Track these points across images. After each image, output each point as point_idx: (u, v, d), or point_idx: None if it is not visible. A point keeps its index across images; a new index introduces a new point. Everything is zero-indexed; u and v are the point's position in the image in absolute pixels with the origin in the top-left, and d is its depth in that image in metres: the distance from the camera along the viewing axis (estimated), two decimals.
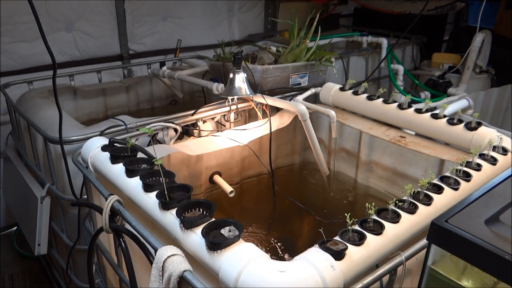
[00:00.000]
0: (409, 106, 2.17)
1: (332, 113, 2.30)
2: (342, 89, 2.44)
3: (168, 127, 2.11)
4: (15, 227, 3.52)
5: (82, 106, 3.10)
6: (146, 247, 1.29)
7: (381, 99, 2.26)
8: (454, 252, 0.81)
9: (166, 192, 1.25)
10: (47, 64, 3.36)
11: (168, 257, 1.12)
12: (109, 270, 1.87)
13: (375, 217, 1.21)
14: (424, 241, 1.24)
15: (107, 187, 1.53)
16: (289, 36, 2.60)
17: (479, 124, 1.91)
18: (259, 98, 2.31)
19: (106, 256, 1.64)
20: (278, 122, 2.36)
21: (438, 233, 0.84)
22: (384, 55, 3.91)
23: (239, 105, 2.37)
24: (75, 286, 2.36)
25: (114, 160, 1.51)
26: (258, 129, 2.28)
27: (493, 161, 1.61)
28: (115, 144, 1.61)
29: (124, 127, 2.08)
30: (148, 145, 2.15)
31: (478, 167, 1.54)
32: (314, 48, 2.50)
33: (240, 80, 2.14)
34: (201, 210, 1.24)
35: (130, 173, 1.42)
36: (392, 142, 2.13)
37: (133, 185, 1.40)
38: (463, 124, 1.94)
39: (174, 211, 1.24)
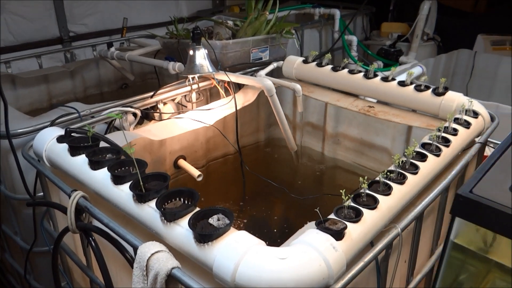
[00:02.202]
0: (375, 76, 2.14)
1: (298, 86, 2.23)
2: (305, 61, 2.37)
3: (126, 112, 1.94)
4: None
5: (22, 95, 2.83)
6: (122, 245, 1.17)
7: (346, 70, 2.22)
8: (482, 223, 0.76)
9: (141, 183, 1.12)
10: None
11: (152, 254, 1.01)
12: (75, 271, 1.72)
13: (368, 191, 1.16)
14: (415, 211, 1.22)
15: (67, 182, 1.37)
16: (247, 9, 2.48)
17: (446, 89, 1.91)
18: (221, 76, 2.18)
19: (73, 258, 1.49)
20: (243, 99, 2.26)
21: (464, 205, 0.79)
22: (337, 26, 3.88)
23: (200, 84, 2.24)
24: None
25: (74, 151, 1.35)
26: (223, 108, 2.17)
27: (467, 125, 1.61)
28: (72, 134, 1.45)
29: (77, 115, 1.89)
30: (105, 132, 1.98)
31: (454, 132, 1.54)
32: (273, 20, 2.40)
33: (201, 57, 2.00)
34: (182, 199, 1.13)
35: (94, 165, 1.28)
36: (362, 112, 2.10)
37: (100, 178, 1.25)
38: (430, 90, 1.94)
39: (152, 203, 1.12)
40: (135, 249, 1.08)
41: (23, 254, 2.13)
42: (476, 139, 1.66)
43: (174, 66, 2.39)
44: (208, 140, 2.40)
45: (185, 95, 2.24)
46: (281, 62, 2.50)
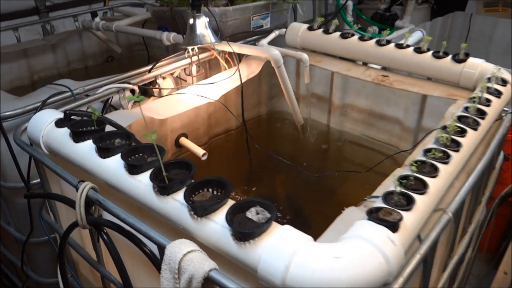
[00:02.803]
0: (388, 42, 2.01)
1: (305, 56, 2.08)
2: (310, 28, 2.22)
3: (124, 89, 1.77)
4: None
5: (1, 72, 2.60)
6: (143, 242, 1.04)
7: (356, 37, 2.08)
8: None
9: (164, 173, 0.99)
10: None
11: (185, 255, 0.89)
12: (81, 264, 1.59)
13: (416, 174, 1.05)
14: (462, 192, 1.12)
15: (69, 170, 1.22)
16: None
17: (467, 56, 1.80)
18: (223, 46, 2.02)
19: (81, 252, 1.36)
20: (247, 71, 2.10)
21: None
22: None
23: (200, 56, 2.07)
24: (33, 282, 2.04)
25: (77, 137, 1.19)
26: (226, 81, 2.01)
27: (498, 94, 1.51)
28: (72, 118, 1.29)
29: (69, 93, 1.71)
30: (102, 112, 1.82)
31: (487, 103, 1.43)
32: None
33: (202, 26, 1.83)
34: (210, 190, 1.00)
35: (104, 153, 1.13)
36: (375, 82, 1.98)
37: (111, 167, 1.11)
38: (450, 56, 1.83)
39: (177, 195, 0.99)
40: (160, 247, 0.96)
41: (18, 244, 1.99)
42: (505, 108, 1.57)
43: (168, 37, 2.21)
44: (209, 116, 2.26)
45: (184, 68, 2.07)
46: (283, 29, 2.34)
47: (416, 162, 1.10)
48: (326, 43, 2.15)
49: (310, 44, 2.23)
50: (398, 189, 0.97)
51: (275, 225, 0.89)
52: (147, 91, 1.90)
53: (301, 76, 2.44)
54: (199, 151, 2.00)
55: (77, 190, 1.13)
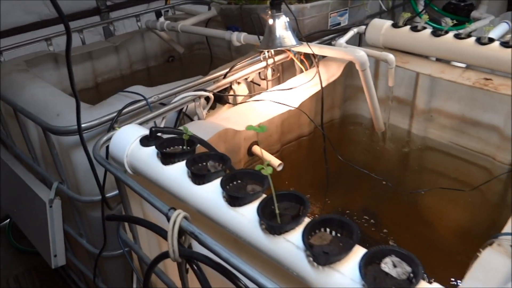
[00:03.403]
0: (490, 41, 1.77)
1: (391, 56, 1.88)
2: (395, 25, 2.01)
3: (200, 96, 1.65)
4: (8, 220, 3.07)
5: (67, 75, 2.56)
6: (242, 282, 0.91)
7: (451, 34, 1.85)
8: None
9: (277, 210, 0.84)
10: (15, 27, 2.77)
11: None
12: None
13: None
14: None
15: (151, 191, 1.11)
16: None
17: None
18: (302, 47, 1.85)
19: (166, 281, 1.25)
20: (326, 74, 1.93)
21: None
22: None
23: (276, 58, 1.92)
24: None
25: (166, 159, 1.08)
26: (305, 86, 1.85)
27: None
28: (157, 135, 1.17)
29: (144, 102, 1.62)
30: (176, 122, 1.71)
31: None
32: None
33: (282, 26, 1.67)
34: (328, 230, 0.85)
35: (199, 179, 1.00)
36: (478, 87, 1.74)
37: (208, 196, 0.98)
38: None
39: (291, 236, 0.84)
40: None
41: (89, 255, 1.93)
42: None
43: (239, 37, 2.08)
44: (283, 122, 2.11)
45: (259, 72, 1.92)
46: (362, 27, 2.14)
47: None
48: (415, 41, 1.94)
49: (396, 43, 2.02)
50: None
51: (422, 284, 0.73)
52: (222, 98, 1.77)
53: (380, 78, 2.24)
54: (275, 161, 1.85)
55: (168, 218, 1.01)
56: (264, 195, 0.94)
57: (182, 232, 1.03)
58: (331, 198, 2.07)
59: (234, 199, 0.92)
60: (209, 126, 1.55)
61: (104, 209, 1.54)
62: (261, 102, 1.75)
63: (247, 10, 2.13)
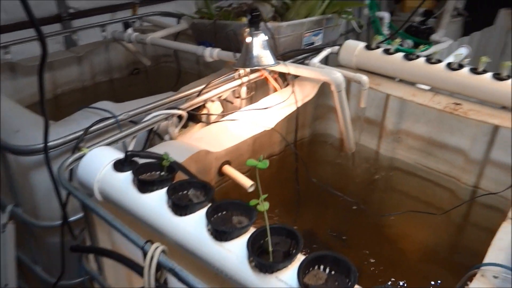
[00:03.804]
0: (460, 66, 1.82)
1: (365, 78, 1.89)
2: (368, 47, 2.03)
3: (172, 115, 1.58)
4: None
5: (23, 85, 2.41)
6: None
7: (423, 59, 1.89)
8: None
9: (270, 248, 0.79)
10: None
11: None
12: None
13: None
14: None
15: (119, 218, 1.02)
16: None
17: None
18: (279, 67, 1.83)
19: None
20: (301, 94, 1.92)
21: None
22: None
23: (251, 76, 1.88)
24: None
25: (144, 187, 1.00)
26: (280, 105, 1.82)
27: None
28: (133, 159, 1.09)
29: (112, 120, 1.52)
30: (146, 142, 1.63)
31: None
32: None
33: (260, 45, 1.64)
34: (322, 267, 0.80)
35: (181, 210, 0.93)
36: (448, 112, 1.78)
37: (191, 229, 0.92)
38: None
39: (284, 274, 0.79)
40: None
41: (42, 284, 1.79)
42: None
43: (212, 53, 2.02)
44: (254, 141, 2.06)
45: (233, 90, 1.88)
46: (335, 47, 2.15)
47: None
48: (387, 64, 1.96)
49: (368, 65, 2.03)
50: None
51: None
52: (195, 116, 1.70)
53: (350, 98, 2.25)
54: (247, 182, 1.80)
55: (144, 253, 0.93)
56: (252, 228, 0.89)
57: (158, 267, 0.95)
58: (300, 218, 2.04)
59: (221, 233, 0.86)
60: (183, 147, 1.47)
61: (65, 234, 1.42)
62: (235, 122, 1.69)
63: (221, 26, 2.08)
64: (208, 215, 0.89)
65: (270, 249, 0.79)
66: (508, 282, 0.97)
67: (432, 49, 3.48)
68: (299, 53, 2.06)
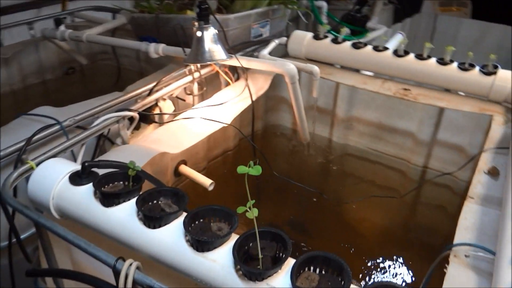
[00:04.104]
0: (406, 53, 1.88)
1: (316, 69, 1.89)
2: (316, 37, 2.03)
3: (124, 117, 1.48)
4: None
5: None
6: None
7: (370, 47, 1.93)
8: None
9: (260, 255, 0.75)
10: None
11: None
12: None
13: None
14: None
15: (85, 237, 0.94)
16: None
17: (495, 67, 1.71)
18: (231, 61, 1.77)
19: None
20: (254, 87, 1.88)
21: None
22: None
23: (202, 72, 1.81)
24: None
25: (109, 200, 0.91)
26: (235, 100, 1.78)
27: None
28: (92, 170, 1.00)
29: (57, 127, 1.39)
30: (96, 148, 1.51)
31: None
32: None
33: (210, 39, 1.57)
34: (312, 268, 0.78)
35: (154, 222, 0.86)
36: (398, 97, 1.83)
37: (168, 241, 0.85)
38: (477, 68, 1.73)
39: (274, 281, 0.76)
40: None
41: None
42: None
43: (157, 49, 1.93)
44: (209, 138, 2.00)
45: (184, 87, 1.80)
46: (283, 38, 2.13)
47: None
48: (336, 53, 1.98)
49: (317, 55, 2.04)
50: None
51: None
52: (147, 117, 1.61)
53: (302, 89, 2.26)
54: (206, 181, 1.74)
55: (116, 271, 0.86)
56: (234, 235, 0.85)
57: (133, 285, 0.88)
58: (261, 212, 2.02)
59: (203, 244, 0.81)
60: (140, 151, 1.39)
61: (16, 255, 1.29)
62: (192, 120, 1.62)
63: (164, 20, 1.98)
64: (186, 224, 0.83)
65: (260, 256, 0.75)
66: (479, 260, 1.01)
67: (374, 35, 3.60)
68: (248, 45, 2.02)
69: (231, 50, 1.86)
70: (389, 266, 1.68)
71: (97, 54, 2.91)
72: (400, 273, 1.64)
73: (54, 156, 1.21)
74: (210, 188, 1.72)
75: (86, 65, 2.78)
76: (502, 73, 1.68)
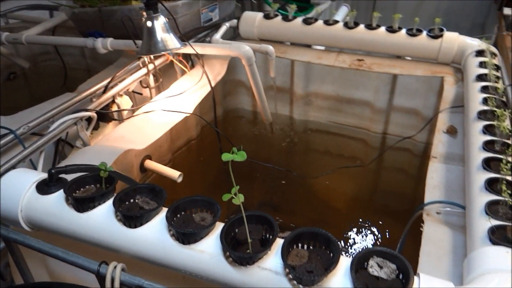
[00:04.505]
0: (356, 24, 1.91)
1: (271, 48, 1.89)
2: (267, 17, 2.02)
3: (81, 118, 1.42)
4: None
5: None
6: None
7: (321, 21, 1.94)
8: None
9: (249, 239, 0.75)
10: None
11: None
12: None
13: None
14: None
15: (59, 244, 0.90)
16: None
17: (441, 31, 1.78)
18: (186, 49, 1.73)
19: None
20: (211, 73, 1.85)
21: None
22: None
23: (156, 62, 1.76)
24: None
25: (83, 205, 0.88)
26: (193, 89, 1.75)
27: (497, 68, 1.49)
28: (60, 177, 0.95)
29: (11, 136, 1.31)
30: (56, 154, 1.44)
31: (496, 79, 1.40)
32: None
33: (162, 28, 1.53)
34: (300, 245, 0.79)
35: (136, 221, 0.84)
36: (353, 68, 1.87)
37: (152, 238, 0.83)
38: (424, 33, 1.79)
39: (265, 262, 0.77)
40: None
41: None
42: None
43: (104, 44, 1.85)
44: (171, 130, 1.95)
45: (140, 81, 1.74)
46: (234, 21, 2.11)
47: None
48: (288, 31, 1.98)
49: (270, 34, 2.04)
50: (510, 200, 0.86)
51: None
52: (106, 115, 1.55)
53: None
54: (174, 173, 1.71)
55: (101, 276, 0.83)
56: (218, 224, 0.84)
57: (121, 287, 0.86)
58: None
59: (189, 236, 0.80)
60: (104, 150, 1.34)
61: None
62: (153, 113, 1.58)
63: (108, 13, 1.90)
64: (169, 219, 0.82)
65: (249, 240, 0.75)
66: (449, 215, 1.06)
67: (320, 8, 3.62)
68: (200, 31, 1.98)
69: (183, 37, 1.82)
70: (364, 232, 1.74)
71: (38, 56, 2.76)
72: (376, 236, 1.71)
73: (13, 167, 1.15)
74: (179, 180, 1.70)
75: (28, 68, 2.62)
76: (448, 35, 1.75)
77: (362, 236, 1.71)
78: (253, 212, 0.81)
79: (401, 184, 1.99)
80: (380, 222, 1.76)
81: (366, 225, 1.76)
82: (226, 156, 0.63)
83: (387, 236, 1.70)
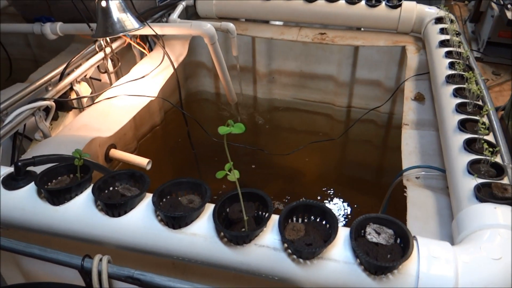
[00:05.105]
0: None
1: (231, 26, 1.85)
2: None
3: (40, 108, 1.32)
4: None
5: None
6: None
7: None
8: None
9: (245, 217, 0.72)
10: None
11: None
12: None
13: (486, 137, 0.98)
14: None
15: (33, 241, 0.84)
16: None
17: (399, 0, 1.80)
18: (145, 30, 1.65)
19: None
20: (173, 55, 1.78)
21: None
22: None
23: (114, 45, 1.67)
24: None
25: (59, 197, 0.82)
26: (155, 72, 1.68)
27: (458, 33, 1.53)
28: (27, 170, 0.88)
29: None
30: (14, 149, 1.34)
31: (459, 44, 1.44)
32: None
33: (118, 8, 1.44)
34: (295, 219, 0.78)
35: (120, 209, 0.79)
36: (316, 42, 1.86)
37: (138, 225, 0.79)
38: (383, 3, 1.80)
39: (262, 239, 0.75)
40: None
41: None
42: None
43: (53, 29, 1.74)
44: (134, 117, 1.87)
45: (97, 65, 1.64)
46: (190, 0, 2.03)
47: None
48: (248, 8, 1.94)
49: (229, 12, 1.98)
50: (491, 158, 0.88)
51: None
52: (65, 104, 1.45)
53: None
54: (142, 160, 1.65)
55: (85, 270, 0.78)
56: (208, 205, 0.81)
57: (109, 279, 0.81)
58: (206, 180, 1.99)
59: (180, 219, 0.76)
60: (67, 141, 1.25)
61: None
62: (115, 99, 1.50)
63: None
64: (156, 204, 0.77)
65: (245, 218, 0.72)
66: (428, 179, 1.09)
67: None
68: (156, 11, 1.90)
69: (140, 18, 1.72)
70: (342, 203, 1.76)
71: None
72: (355, 205, 1.73)
73: None
74: (148, 167, 1.64)
75: None
76: (407, 4, 1.77)
77: (340, 206, 1.73)
78: (246, 190, 0.78)
79: (369, 154, 2.03)
80: (353, 192, 1.79)
81: (339, 194, 1.78)
82: (223, 130, 0.60)
83: (360, 206, 1.74)
